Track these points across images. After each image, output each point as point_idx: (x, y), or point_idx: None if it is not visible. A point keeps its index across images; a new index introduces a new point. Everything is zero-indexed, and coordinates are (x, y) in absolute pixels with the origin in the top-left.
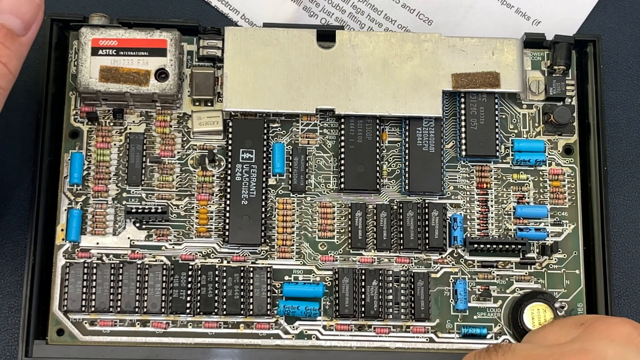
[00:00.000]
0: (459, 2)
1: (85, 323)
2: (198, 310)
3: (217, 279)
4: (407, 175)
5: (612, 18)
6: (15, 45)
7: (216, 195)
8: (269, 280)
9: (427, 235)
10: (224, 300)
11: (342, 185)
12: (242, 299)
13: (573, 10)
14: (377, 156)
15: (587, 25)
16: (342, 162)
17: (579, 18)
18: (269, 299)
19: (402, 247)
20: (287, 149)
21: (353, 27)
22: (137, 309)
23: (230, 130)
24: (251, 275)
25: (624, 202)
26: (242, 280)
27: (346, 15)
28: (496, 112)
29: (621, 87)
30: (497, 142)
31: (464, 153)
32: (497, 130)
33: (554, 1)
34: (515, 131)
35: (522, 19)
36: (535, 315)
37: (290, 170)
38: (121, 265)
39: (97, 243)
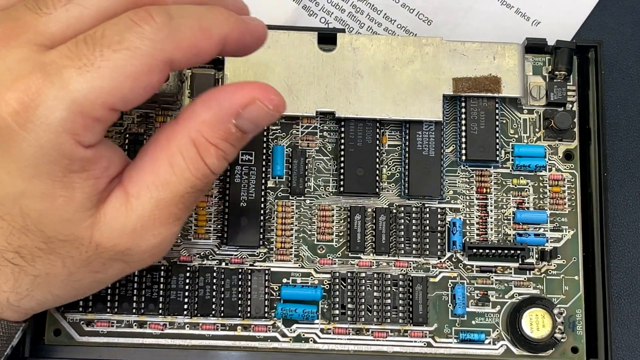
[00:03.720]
0: (459, 3)
1: (82, 323)
2: (195, 312)
3: (215, 280)
4: (406, 179)
5: (612, 18)
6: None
7: (215, 196)
8: (267, 282)
9: (426, 239)
10: (222, 302)
11: (342, 189)
12: (239, 301)
13: (573, 11)
14: (377, 160)
15: (588, 25)
16: (342, 165)
17: (579, 19)
18: (266, 302)
19: (401, 251)
20: (286, 151)
21: (352, 26)
22: (134, 310)
23: None
24: (249, 277)
25: (624, 201)
26: (240, 283)
27: (345, 14)
28: (497, 117)
29: (621, 87)
30: (498, 147)
31: (464, 157)
32: (497, 135)
33: (554, 2)
34: (516, 136)
35: (522, 19)
36: (533, 321)
37: (289, 173)
38: None
39: None
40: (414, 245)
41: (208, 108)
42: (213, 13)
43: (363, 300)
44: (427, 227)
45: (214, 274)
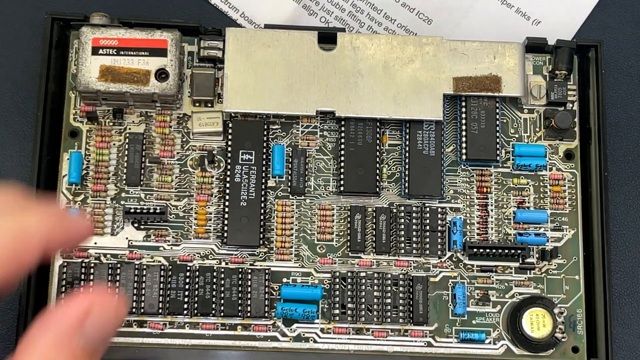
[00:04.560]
0: (459, 2)
1: None
2: (195, 311)
3: (215, 280)
4: (407, 178)
5: (612, 17)
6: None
7: (215, 196)
8: (267, 282)
9: (426, 239)
10: (222, 301)
11: (342, 188)
12: (240, 301)
13: (573, 10)
14: (377, 159)
15: (588, 25)
16: (342, 164)
17: (579, 18)
18: (267, 301)
19: (401, 250)
20: (286, 150)
21: (352, 25)
22: (134, 310)
23: (230, 131)
24: (249, 277)
25: (624, 201)
26: (240, 282)
27: (346, 13)
28: (497, 117)
29: (622, 86)
30: (498, 146)
31: (464, 157)
32: (497, 134)
33: (554, 1)
34: (516, 136)
35: (522, 19)
36: (534, 320)
37: (289, 172)
38: (119, 265)
39: (95, 243)
40: (414, 245)
41: (47, 330)
42: (28, 219)
43: (363, 299)
44: (428, 227)
45: (214, 274)
